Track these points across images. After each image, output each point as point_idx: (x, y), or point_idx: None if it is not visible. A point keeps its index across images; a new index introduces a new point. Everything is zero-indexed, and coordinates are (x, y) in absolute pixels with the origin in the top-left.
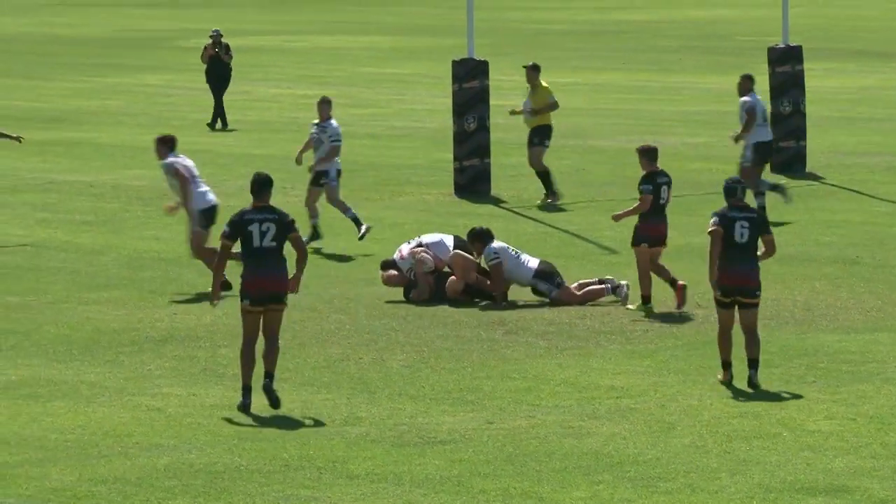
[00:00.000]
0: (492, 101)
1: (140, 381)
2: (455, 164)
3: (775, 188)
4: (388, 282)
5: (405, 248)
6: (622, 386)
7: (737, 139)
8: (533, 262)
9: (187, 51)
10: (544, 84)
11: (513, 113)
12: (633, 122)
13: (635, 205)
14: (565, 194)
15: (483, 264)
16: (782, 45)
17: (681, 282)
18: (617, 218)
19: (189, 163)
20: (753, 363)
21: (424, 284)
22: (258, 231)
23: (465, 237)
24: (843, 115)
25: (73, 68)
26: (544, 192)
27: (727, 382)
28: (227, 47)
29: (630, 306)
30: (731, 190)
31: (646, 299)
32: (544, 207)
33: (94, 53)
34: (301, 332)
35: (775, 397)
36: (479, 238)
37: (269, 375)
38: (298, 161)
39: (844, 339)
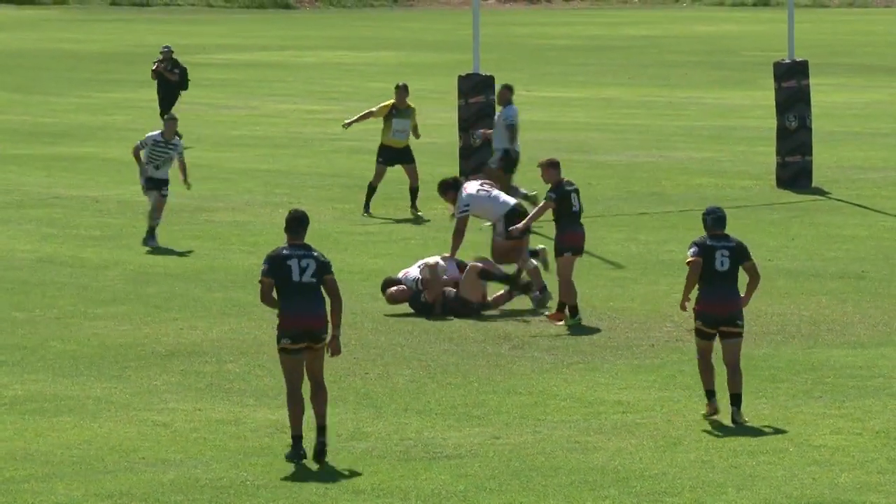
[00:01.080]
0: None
1: (146, 396)
2: (461, 179)
3: (528, 197)
4: (393, 298)
5: (411, 269)
6: (628, 401)
7: (490, 143)
8: (509, 201)
9: (192, 66)
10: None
11: (348, 126)
12: (639, 136)
13: (535, 210)
14: None
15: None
16: (788, 61)
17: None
18: (522, 228)
19: None
20: (736, 399)
21: (437, 286)
22: (297, 266)
23: (465, 261)
24: (850, 130)
25: (78, 84)
26: (413, 206)
27: (713, 414)
28: (174, 63)
29: (558, 323)
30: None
31: (573, 311)
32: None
33: (99, 69)
34: None
35: (781, 412)
36: (453, 187)
37: (321, 431)
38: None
39: (850, 353)
